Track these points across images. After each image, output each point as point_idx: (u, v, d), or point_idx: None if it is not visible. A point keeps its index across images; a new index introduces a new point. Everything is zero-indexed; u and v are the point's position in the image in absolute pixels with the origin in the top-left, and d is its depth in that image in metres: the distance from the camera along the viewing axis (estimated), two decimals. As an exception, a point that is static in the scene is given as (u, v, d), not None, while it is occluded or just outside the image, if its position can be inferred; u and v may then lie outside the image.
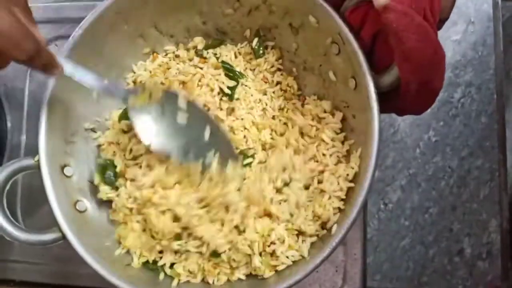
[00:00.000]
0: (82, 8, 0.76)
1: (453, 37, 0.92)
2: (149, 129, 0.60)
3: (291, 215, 0.57)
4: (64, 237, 0.57)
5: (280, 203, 0.58)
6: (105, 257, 0.58)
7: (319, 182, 0.58)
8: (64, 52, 0.60)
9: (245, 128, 0.62)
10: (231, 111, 0.63)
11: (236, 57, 0.65)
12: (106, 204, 0.65)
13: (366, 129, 0.53)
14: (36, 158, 0.59)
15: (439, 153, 0.88)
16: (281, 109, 0.64)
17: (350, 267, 0.71)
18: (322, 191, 0.59)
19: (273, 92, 0.65)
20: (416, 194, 0.88)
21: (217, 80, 0.63)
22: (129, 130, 0.65)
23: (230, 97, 0.63)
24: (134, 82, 0.67)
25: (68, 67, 0.55)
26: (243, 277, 0.58)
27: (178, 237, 0.59)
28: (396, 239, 0.87)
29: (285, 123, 0.63)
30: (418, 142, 0.89)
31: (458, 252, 0.86)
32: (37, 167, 0.59)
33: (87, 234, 0.60)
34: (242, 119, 0.62)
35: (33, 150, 0.59)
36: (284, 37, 0.65)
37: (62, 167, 0.62)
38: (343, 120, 0.61)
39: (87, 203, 0.63)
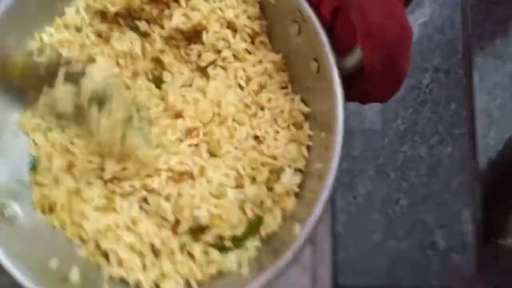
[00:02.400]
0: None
1: (419, 20, 0.87)
2: None
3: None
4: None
5: None
6: (37, 270, 0.49)
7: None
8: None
9: None
10: None
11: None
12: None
13: (329, 117, 0.46)
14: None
15: (408, 141, 0.83)
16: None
17: (319, 267, 0.65)
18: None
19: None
20: (386, 185, 0.82)
21: None
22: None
23: None
24: None
25: None
26: None
27: None
28: (366, 234, 0.81)
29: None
30: (386, 130, 0.83)
31: (431, 245, 0.81)
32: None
33: (16, 244, 0.51)
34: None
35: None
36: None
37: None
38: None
39: (16, 208, 0.54)
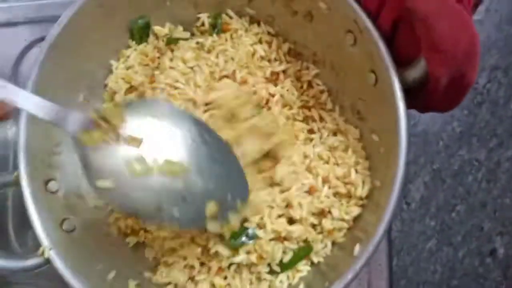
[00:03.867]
0: (66, 5, 0.67)
1: (474, 17, 0.82)
2: (111, 173, 0.43)
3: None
4: (48, 261, 0.49)
5: None
6: (96, 283, 0.50)
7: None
8: (42, 54, 0.51)
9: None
10: None
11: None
12: (97, 220, 0.56)
13: (390, 132, 0.44)
14: (15, 173, 0.51)
15: (465, 145, 0.79)
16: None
17: (375, 279, 0.62)
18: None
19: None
20: (441, 191, 0.78)
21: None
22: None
23: None
24: (112, 98, 0.57)
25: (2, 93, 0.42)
26: None
27: None
28: (421, 241, 0.78)
29: None
30: (441, 134, 0.80)
31: (490, 253, 0.76)
32: (16, 183, 0.50)
33: (75, 257, 0.51)
34: None
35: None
36: (290, 26, 0.55)
37: (46, 182, 0.54)
38: (360, 119, 0.52)
39: (75, 221, 0.54)
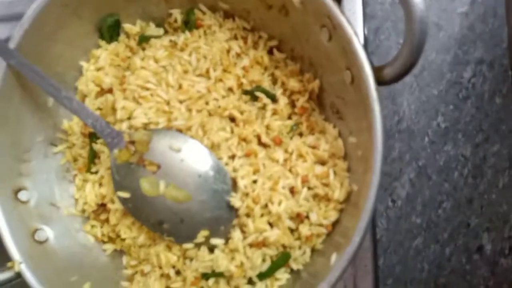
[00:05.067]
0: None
1: (459, 9, 0.79)
2: (130, 187, 0.50)
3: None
4: (19, 275, 0.47)
5: None
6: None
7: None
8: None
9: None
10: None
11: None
12: (71, 228, 0.54)
13: (366, 135, 0.42)
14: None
15: (450, 140, 0.77)
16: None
17: (361, 280, 0.61)
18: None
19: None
20: (427, 188, 0.76)
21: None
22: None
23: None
24: (83, 101, 0.55)
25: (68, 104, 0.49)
26: None
27: None
28: (407, 239, 0.76)
29: None
30: (426, 129, 0.77)
31: (477, 249, 0.75)
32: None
33: (48, 269, 0.49)
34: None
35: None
36: (266, 21, 0.53)
37: (16, 192, 0.52)
38: (339, 119, 0.49)
39: (48, 231, 0.52)
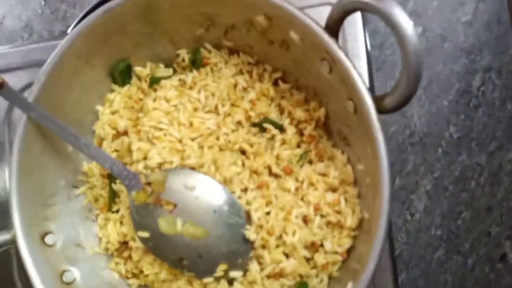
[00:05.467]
0: (52, 49, 0.67)
1: (462, 19, 0.80)
2: (149, 227, 0.52)
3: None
4: (50, 317, 0.49)
5: None
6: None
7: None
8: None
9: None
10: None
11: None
12: (97, 267, 0.56)
13: (372, 163, 0.43)
14: (12, 232, 0.51)
15: (464, 150, 0.77)
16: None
17: (381, 297, 0.61)
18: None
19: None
20: (444, 199, 0.76)
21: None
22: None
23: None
24: (100, 144, 0.57)
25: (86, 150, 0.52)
26: None
27: None
28: (428, 252, 0.76)
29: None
30: (439, 141, 0.78)
31: (500, 258, 0.74)
32: (13, 242, 0.50)
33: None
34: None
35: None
36: (268, 55, 0.54)
37: (43, 236, 0.54)
38: (347, 145, 0.50)
39: (75, 272, 0.54)
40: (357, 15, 0.62)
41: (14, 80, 0.56)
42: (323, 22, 0.45)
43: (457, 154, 0.77)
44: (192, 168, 0.51)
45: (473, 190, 0.76)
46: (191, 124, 0.54)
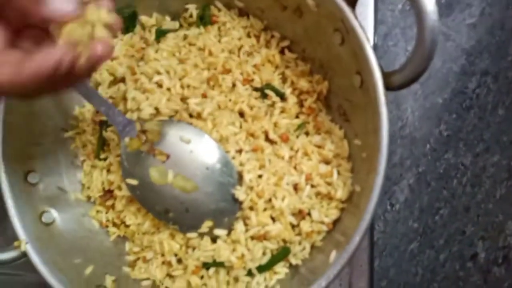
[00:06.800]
0: None
1: (467, 21, 0.81)
2: (138, 175, 0.51)
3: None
4: (25, 255, 0.48)
5: None
6: (73, 278, 0.49)
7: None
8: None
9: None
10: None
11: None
12: (77, 212, 0.55)
13: (372, 138, 0.43)
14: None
15: (451, 149, 0.78)
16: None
17: (356, 279, 0.61)
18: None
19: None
20: (426, 194, 0.78)
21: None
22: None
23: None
24: (96, 88, 0.56)
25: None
26: None
27: None
28: (403, 243, 0.78)
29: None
30: (428, 137, 0.79)
31: (471, 257, 0.76)
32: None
33: (53, 250, 0.50)
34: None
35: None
36: (279, 21, 0.54)
37: (26, 174, 0.52)
38: (346, 121, 0.50)
39: (54, 214, 0.53)
40: (370, -3, 0.62)
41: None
42: (341, -8, 0.45)
43: (444, 151, 0.78)
44: (189, 123, 0.51)
45: (454, 189, 0.77)
46: (189, 77, 0.53)
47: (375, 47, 0.63)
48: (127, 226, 0.54)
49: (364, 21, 0.62)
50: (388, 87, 0.42)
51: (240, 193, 0.49)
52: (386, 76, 0.42)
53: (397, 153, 0.77)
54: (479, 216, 0.76)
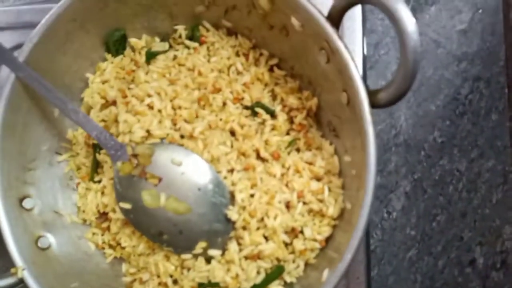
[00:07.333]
0: (45, 12, 0.65)
1: (458, 27, 0.81)
2: (131, 198, 0.51)
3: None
4: (22, 281, 0.48)
5: None
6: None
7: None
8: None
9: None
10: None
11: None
12: (73, 235, 0.55)
13: (360, 155, 0.43)
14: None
15: (446, 155, 0.78)
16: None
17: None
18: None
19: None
20: (422, 201, 0.78)
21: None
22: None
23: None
24: (88, 112, 0.56)
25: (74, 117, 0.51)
26: None
27: None
28: (401, 250, 0.78)
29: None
30: (422, 144, 0.79)
31: (469, 263, 0.76)
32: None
33: (49, 275, 0.51)
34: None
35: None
36: (267, 39, 0.54)
37: (21, 200, 0.53)
38: (335, 137, 0.51)
39: (51, 238, 0.54)
40: (357, 10, 0.62)
41: (2, 39, 0.54)
42: (325, 11, 0.45)
43: (439, 158, 0.78)
44: (180, 145, 0.51)
45: (450, 195, 0.77)
46: (180, 99, 0.53)
47: (365, 57, 0.63)
48: (123, 248, 0.54)
49: (353, 34, 0.62)
50: (374, 105, 0.43)
51: (232, 213, 0.49)
52: (371, 94, 0.43)
53: (392, 161, 0.77)
54: (476, 222, 0.76)
